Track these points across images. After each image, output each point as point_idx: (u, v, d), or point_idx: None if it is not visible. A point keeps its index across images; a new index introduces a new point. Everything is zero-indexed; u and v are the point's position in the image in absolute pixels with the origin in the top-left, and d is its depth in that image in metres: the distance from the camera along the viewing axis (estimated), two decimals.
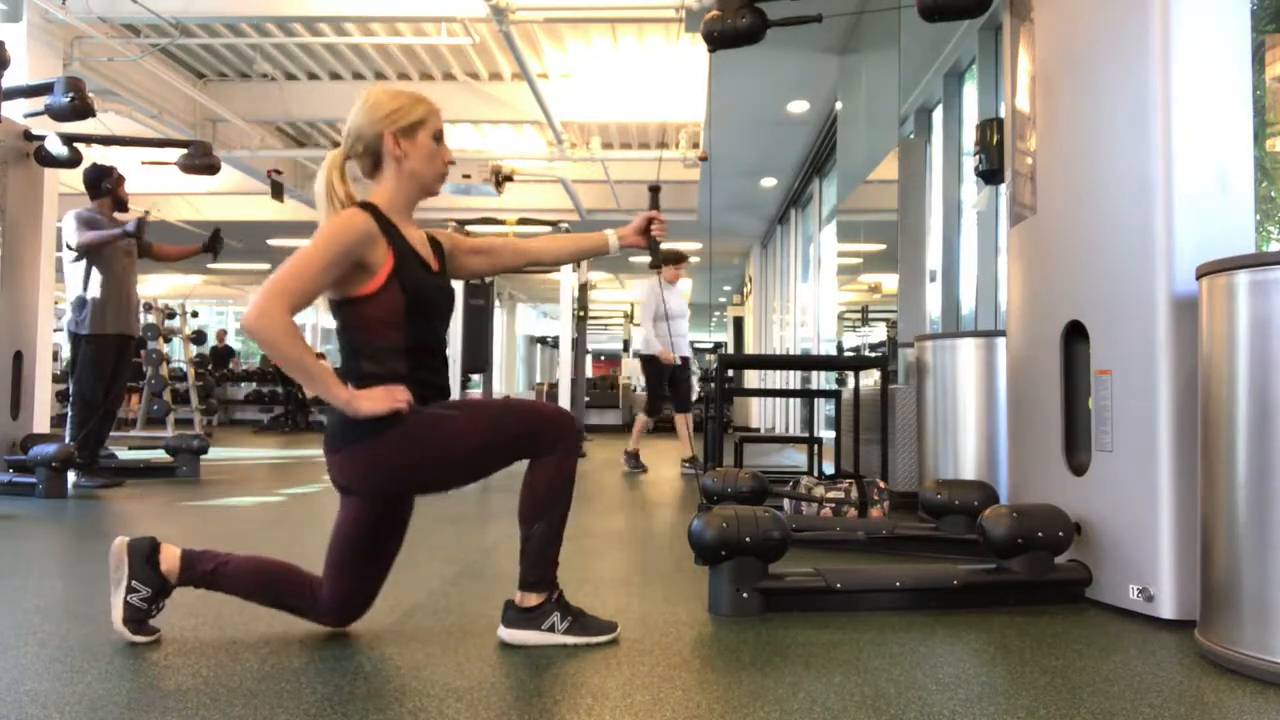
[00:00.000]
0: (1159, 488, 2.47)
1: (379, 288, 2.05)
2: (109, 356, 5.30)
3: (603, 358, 26.23)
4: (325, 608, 2.21)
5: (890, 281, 6.95)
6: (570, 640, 2.17)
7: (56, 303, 7.47)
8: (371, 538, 2.19)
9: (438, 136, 2.18)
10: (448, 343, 2.26)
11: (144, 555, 2.14)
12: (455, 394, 10.12)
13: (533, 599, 2.18)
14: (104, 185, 5.39)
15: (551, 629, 2.17)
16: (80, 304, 5.23)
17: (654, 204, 2.51)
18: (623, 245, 2.48)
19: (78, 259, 5.23)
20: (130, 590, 2.12)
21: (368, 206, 2.09)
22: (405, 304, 2.09)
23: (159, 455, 6.34)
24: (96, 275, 5.24)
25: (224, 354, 15.72)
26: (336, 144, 2.23)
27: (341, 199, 2.10)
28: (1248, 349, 2.04)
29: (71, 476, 5.16)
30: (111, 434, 5.73)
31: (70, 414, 5.30)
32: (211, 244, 5.68)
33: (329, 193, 2.10)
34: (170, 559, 2.16)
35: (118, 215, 5.50)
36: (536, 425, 2.11)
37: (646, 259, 2.54)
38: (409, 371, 2.10)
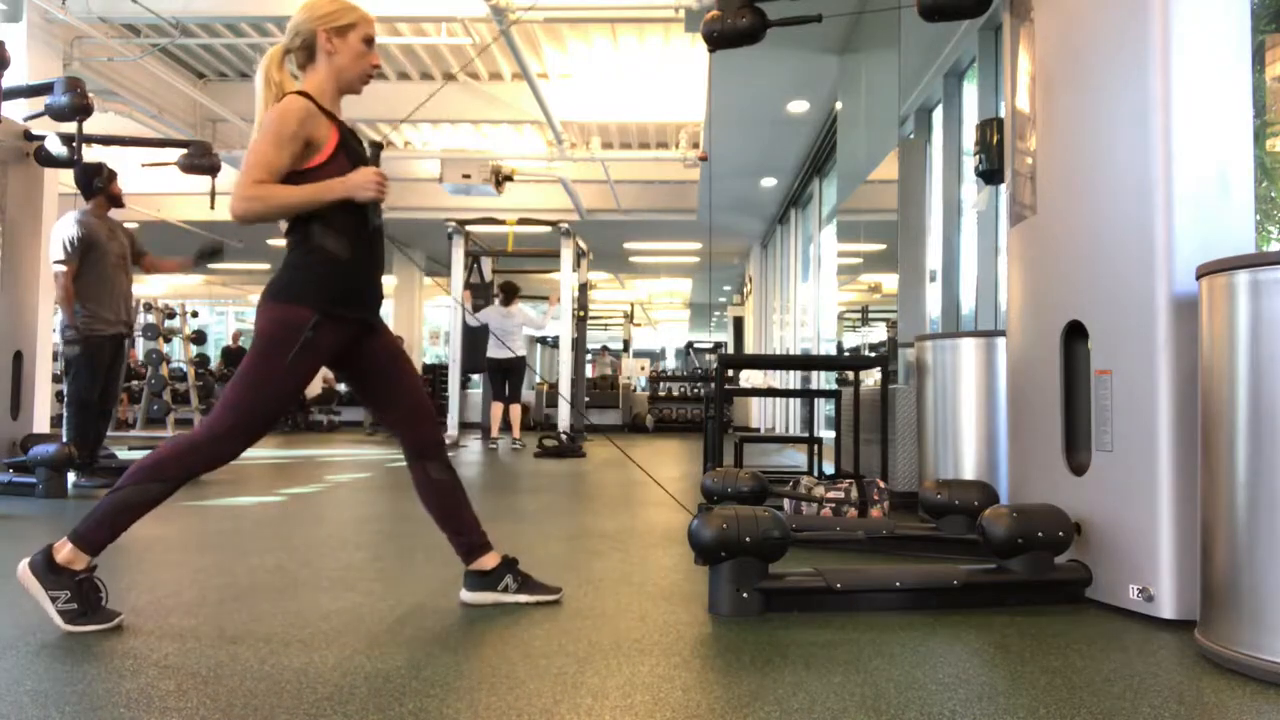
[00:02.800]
0: (1159, 488, 2.47)
1: (327, 157, 2.31)
2: (103, 357, 5.28)
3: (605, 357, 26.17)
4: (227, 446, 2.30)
5: (890, 281, 6.95)
6: (521, 599, 2.55)
7: (56, 302, 7.47)
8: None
9: (368, 40, 2.41)
10: (383, 262, 2.50)
11: (44, 567, 2.22)
12: (455, 394, 10.17)
13: (488, 561, 2.55)
14: (95, 184, 5.36)
15: (505, 589, 2.56)
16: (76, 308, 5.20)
17: (375, 160, 2.54)
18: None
19: (77, 254, 5.20)
20: (51, 600, 2.22)
21: (301, 94, 2.33)
22: (353, 168, 2.32)
23: None
24: (86, 278, 5.19)
25: (237, 354, 15.88)
26: None
27: (277, 83, 2.35)
28: (1248, 349, 2.04)
29: (71, 476, 5.16)
30: (111, 434, 5.72)
31: (65, 414, 5.28)
32: (207, 255, 5.57)
33: (267, 79, 2.34)
34: (65, 554, 2.23)
35: (113, 213, 5.47)
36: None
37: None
38: (355, 240, 2.34)
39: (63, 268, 5.10)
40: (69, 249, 5.10)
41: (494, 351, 9.53)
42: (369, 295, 2.43)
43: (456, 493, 2.55)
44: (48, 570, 2.21)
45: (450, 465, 2.57)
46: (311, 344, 2.27)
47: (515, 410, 9.70)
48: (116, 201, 5.43)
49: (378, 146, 2.53)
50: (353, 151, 2.38)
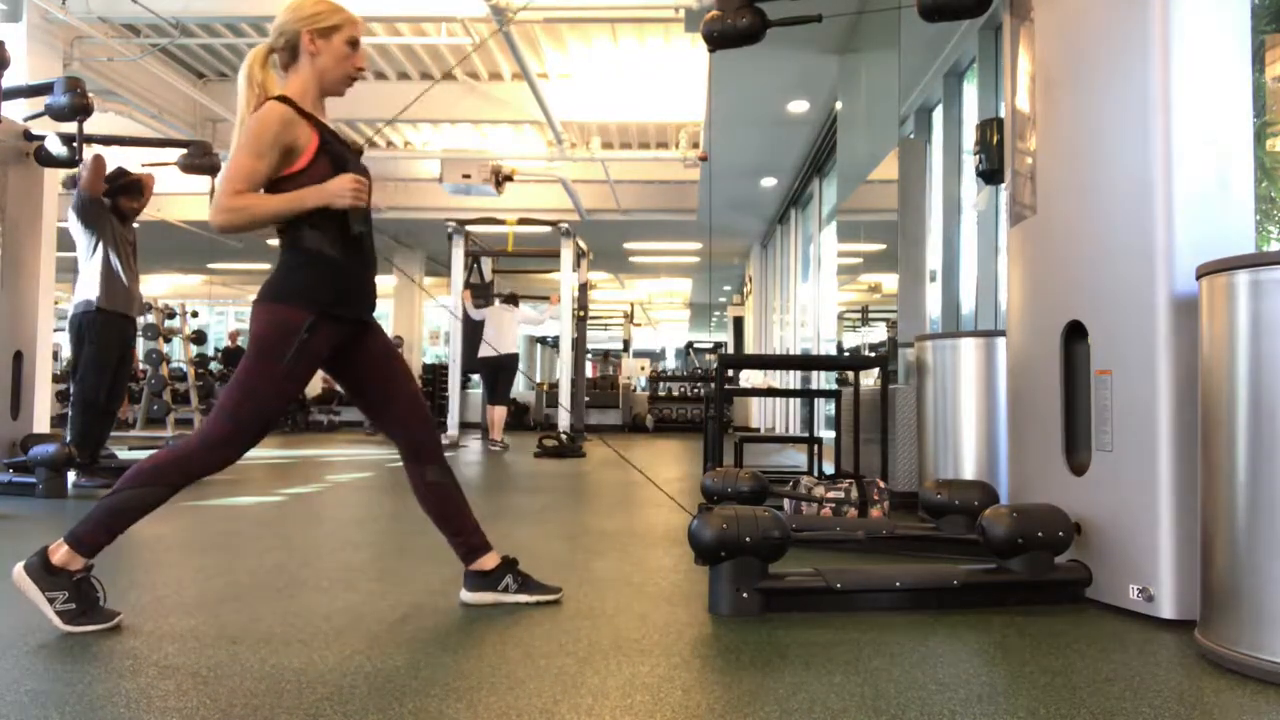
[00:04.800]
0: (1159, 488, 2.47)
1: (307, 163, 2.30)
2: (114, 341, 5.25)
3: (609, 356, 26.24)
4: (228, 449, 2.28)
5: (890, 281, 6.95)
6: (521, 599, 2.55)
7: (56, 303, 7.47)
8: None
9: (353, 43, 2.39)
10: (374, 259, 2.48)
11: (40, 569, 2.21)
12: (455, 394, 10.17)
13: (488, 562, 2.55)
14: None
15: (505, 589, 2.55)
16: (88, 290, 5.19)
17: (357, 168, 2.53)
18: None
19: (85, 226, 5.19)
20: (49, 601, 2.21)
21: (281, 99, 2.31)
22: (334, 172, 2.31)
23: None
24: (101, 260, 5.18)
25: (235, 353, 15.90)
26: None
27: (260, 84, 2.33)
28: (1247, 349, 2.04)
29: (71, 476, 5.16)
30: (112, 434, 5.72)
31: (71, 413, 5.28)
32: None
33: (249, 79, 2.33)
34: (62, 555, 2.22)
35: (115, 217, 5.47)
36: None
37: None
38: (344, 241, 2.33)
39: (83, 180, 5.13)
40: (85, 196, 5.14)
41: (487, 349, 9.55)
42: (363, 294, 2.42)
43: (454, 496, 2.54)
44: (44, 572, 2.20)
45: (448, 468, 2.56)
46: (307, 345, 2.27)
47: (500, 411, 9.74)
48: (119, 210, 5.44)
49: (358, 151, 2.52)
50: (335, 154, 2.35)
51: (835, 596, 2.55)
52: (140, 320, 10.57)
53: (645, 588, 2.85)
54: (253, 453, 7.47)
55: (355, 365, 2.46)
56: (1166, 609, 2.45)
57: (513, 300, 10.08)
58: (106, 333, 5.22)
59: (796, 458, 8.68)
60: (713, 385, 6.41)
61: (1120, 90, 2.64)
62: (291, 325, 2.25)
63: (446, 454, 2.61)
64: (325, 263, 2.31)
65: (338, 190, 2.29)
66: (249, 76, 2.32)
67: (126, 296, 5.31)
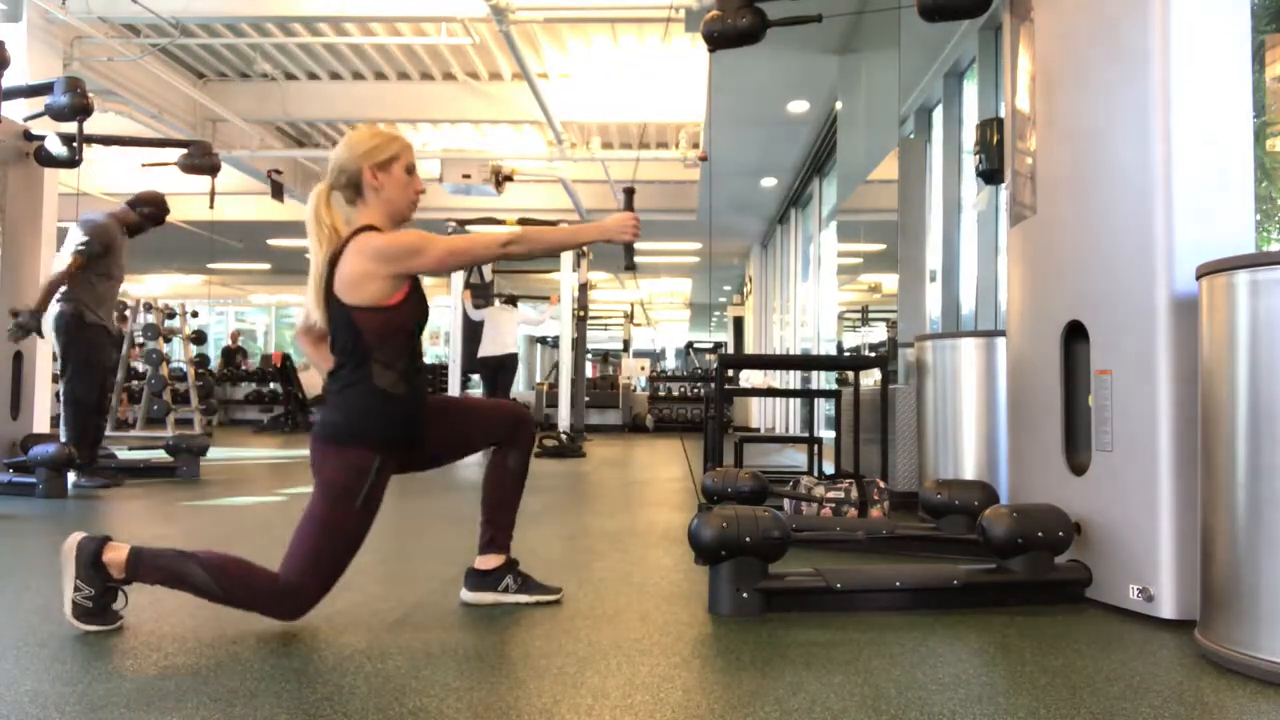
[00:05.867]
0: (1159, 488, 2.47)
1: (403, 299, 2.30)
2: (104, 356, 5.28)
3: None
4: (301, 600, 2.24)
5: (890, 281, 6.95)
6: (521, 599, 2.56)
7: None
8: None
9: (409, 169, 2.43)
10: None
11: (91, 556, 2.18)
12: (456, 394, 10.17)
13: (491, 561, 2.55)
14: (140, 210, 5.41)
15: (506, 589, 2.56)
16: (69, 296, 5.19)
17: (629, 205, 2.57)
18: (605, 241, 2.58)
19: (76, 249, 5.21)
20: (75, 589, 2.19)
21: (370, 228, 2.32)
22: (417, 315, 2.35)
23: (159, 455, 6.33)
24: (99, 279, 5.20)
25: (236, 354, 15.93)
26: (335, 143, 2.35)
27: (329, 225, 2.34)
28: (1248, 349, 2.04)
29: (71, 476, 5.16)
30: (112, 434, 5.72)
31: (64, 416, 5.26)
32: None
33: (317, 219, 2.34)
34: (114, 556, 2.19)
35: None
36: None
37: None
38: (409, 375, 2.32)
39: (79, 258, 5.08)
40: (96, 248, 5.11)
41: (486, 349, 9.51)
42: (419, 420, 2.39)
43: (515, 487, 2.58)
44: (91, 562, 2.18)
45: (527, 462, 2.59)
46: (378, 483, 2.26)
47: None
48: (132, 228, 5.47)
49: (630, 191, 2.59)
50: (421, 294, 2.38)
51: (835, 596, 2.55)
52: (140, 320, 10.61)
53: (645, 587, 2.85)
54: (252, 453, 7.49)
55: (423, 454, 2.45)
56: (1166, 609, 2.45)
57: (512, 301, 10.11)
58: (92, 332, 5.23)
59: (796, 458, 8.68)
60: (712, 385, 6.41)
61: (1120, 90, 2.64)
62: (362, 468, 2.23)
63: None
64: (391, 401, 2.28)
65: (618, 227, 2.43)
66: (317, 218, 2.33)
67: (107, 311, 5.32)
